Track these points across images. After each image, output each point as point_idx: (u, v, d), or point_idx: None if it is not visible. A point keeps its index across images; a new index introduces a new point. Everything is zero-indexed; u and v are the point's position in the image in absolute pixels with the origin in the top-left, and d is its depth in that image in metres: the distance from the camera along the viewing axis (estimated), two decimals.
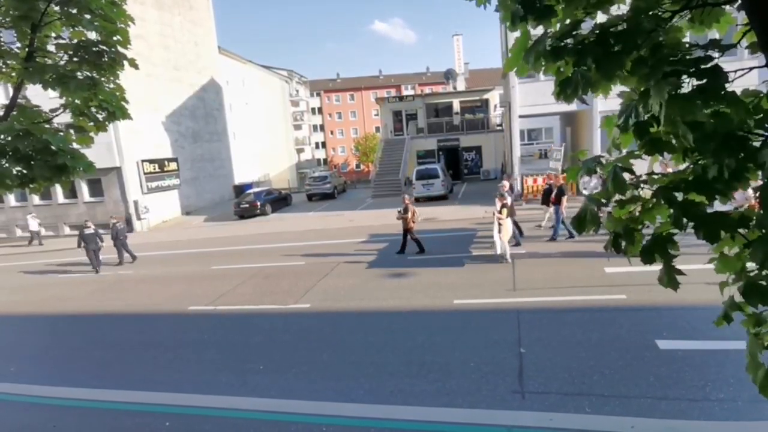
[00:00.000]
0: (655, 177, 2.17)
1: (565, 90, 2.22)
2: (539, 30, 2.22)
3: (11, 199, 23.25)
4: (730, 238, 2.02)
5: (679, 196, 2.06)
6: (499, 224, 9.97)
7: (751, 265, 2.07)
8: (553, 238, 11.59)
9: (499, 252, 10.05)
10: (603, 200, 2.22)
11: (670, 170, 2.62)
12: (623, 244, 2.21)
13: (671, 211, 2.07)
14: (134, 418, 5.35)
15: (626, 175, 2.11)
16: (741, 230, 1.99)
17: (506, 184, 11.61)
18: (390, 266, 10.78)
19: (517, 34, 2.30)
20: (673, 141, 2.06)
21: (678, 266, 2.17)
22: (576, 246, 10.57)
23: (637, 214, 2.23)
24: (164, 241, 19.05)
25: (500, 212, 9.98)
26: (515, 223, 11.90)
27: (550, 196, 11.89)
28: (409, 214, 11.37)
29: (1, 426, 5.60)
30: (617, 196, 2.19)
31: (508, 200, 10.49)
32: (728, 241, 2.06)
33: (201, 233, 20.18)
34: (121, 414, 5.51)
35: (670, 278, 2.17)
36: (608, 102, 2.44)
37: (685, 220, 2.01)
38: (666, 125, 1.88)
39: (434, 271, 10.05)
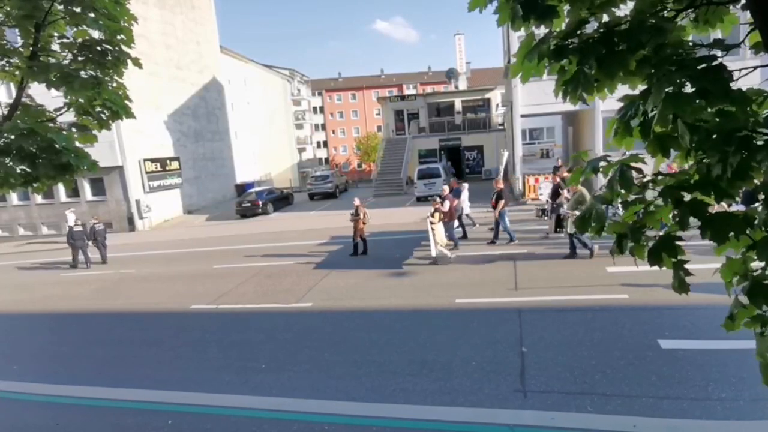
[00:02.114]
0: (660, 178, 2.15)
1: (566, 89, 2.22)
2: (542, 31, 2.22)
3: (14, 197, 23.32)
4: (735, 239, 1.99)
5: (685, 196, 2.04)
6: (432, 228, 10.22)
7: (754, 265, 2.06)
8: (493, 241, 11.89)
9: (433, 255, 10.34)
10: (609, 200, 2.18)
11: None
12: (628, 245, 2.17)
13: (675, 212, 2.05)
14: (136, 416, 5.37)
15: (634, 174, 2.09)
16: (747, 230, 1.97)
17: (446, 188, 11.92)
18: (391, 266, 10.78)
19: (520, 33, 2.30)
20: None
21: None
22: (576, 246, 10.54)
23: (641, 217, 2.20)
24: (166, 240, 19.09)
25: (432, 216, 10.25)
26: (461, 225, 12.51)
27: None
28: (361, 216, 11.76)
29: (4, 424, 5.63)
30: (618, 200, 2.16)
31: (446, 205, 10.89)
32: (732, 243, 2.03)
33: (203, 232, 20.22)
34: (123, 412, 5.54)
35: (680, 282, 2.13)
36: (610, 102, 2.43)
37: (691, 220, 1.99)
38: (660, 123, 1.87)
39: (436, 271, 10.06)
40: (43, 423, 5.49)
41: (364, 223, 11.86)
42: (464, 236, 12.67)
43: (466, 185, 14.51)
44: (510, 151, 20.15)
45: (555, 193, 11.62)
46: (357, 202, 12.14)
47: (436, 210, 10.35)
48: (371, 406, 5.05)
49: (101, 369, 6.95)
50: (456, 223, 12.30)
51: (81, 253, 14.52)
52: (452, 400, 4.97)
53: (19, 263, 16.97)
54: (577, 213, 9.57)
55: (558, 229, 11.53)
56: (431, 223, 10.22)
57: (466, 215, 13.99)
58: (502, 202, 11.49)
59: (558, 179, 12.12)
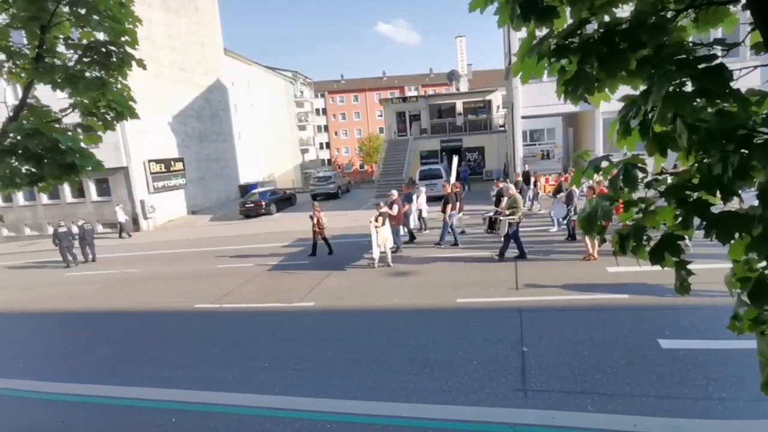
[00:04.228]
0: (662, 177, 2.15)
1: (567, 89, 2.24)
2: (543, 32, 2.24)
3: (20, 198, 23.48)
4: (740, 237, 1.96)
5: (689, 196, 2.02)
6: (376, 231, 10.55)
7: (757, 265, 2.06)
8: (439, 243, 12.30)
9: (375, 257, 10.71)
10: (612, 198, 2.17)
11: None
12: (631, 245, 2.14)
13: (677, 212, 2.04)
14: (141, 414, 5.42)
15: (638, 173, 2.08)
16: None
17: (394, 193, 12.32)
18: (393, 265, 10.81)
19: (521, 35, 2.31)
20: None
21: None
22: (578, 246, 10.55)
23: (641, 217, 2.18)
24: (170, 240, 19.18)
25: (376, 220, 10.59)
26: (410, 231, 13.23)
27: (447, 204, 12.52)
28: (315, 220, 12.36)
29: (10, 422, 5.68)
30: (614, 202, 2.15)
31: (394, 209, 11.35)
32: (738, 244, 2.00)
33: (206, 232, 20.30)
34: (128, 410, 5.58)
35: (682, 282, 2.12)
36: (610, 103, 2.44)
37: (696, 220, 1.96)
38: (660, 122, 1.89)
39: (437, 270, 10.09)
40: (48, 420, 5.54)
41: (319, 227, 12.48)
42: (411, 239, 13.20)
43: (423, 189, 14.86)
44: (510, 152, 20.16)
45: (498, 199, 12.08)
46: (316, 206, 12.82)
47: (380, 214, 10.73)
48: (373, 404, 5.08)
49: (105, 367, 7.00)
50: (404, 228, 12.99)
51: (67, 252, 15.29)
52: (453, 399, 4.99)
53: (22, 262, 17.07)
54: (512, 217, 9.95)
55: (490, 231, 11.84)
56: (376, 226, 10.58)
57: (423, 218, 14.54)
58: (449, 207, 11.95)
59: (501, 185, 12.43)
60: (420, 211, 14.16)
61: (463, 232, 13.15)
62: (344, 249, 12.84)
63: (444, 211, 12.07)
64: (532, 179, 16.97)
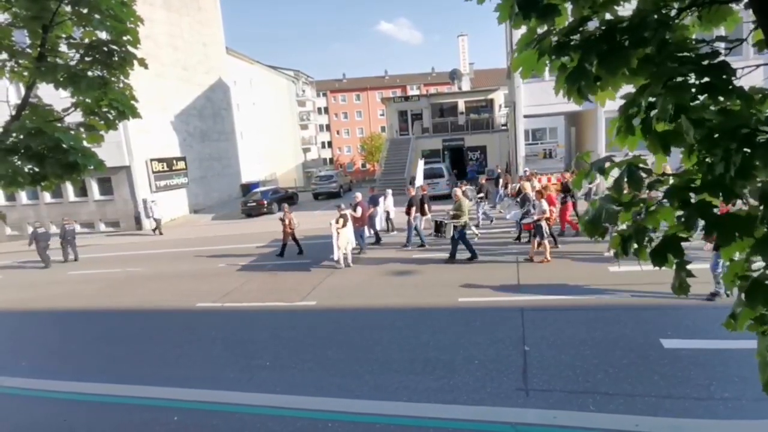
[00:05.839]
0: (665, 178, 2.13)
1: (568, 86, 2.22)
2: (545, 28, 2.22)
3: (23, 197, 23.55)
4: (741, 239, 1.95)
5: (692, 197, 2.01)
6: (337, 233, 10.80)
7: (756, 265, 2.05)
8: (405, 245, 12.53)
9: (335, 258, 10.95)
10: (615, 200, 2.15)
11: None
12: (633, 247, 2.12)
13: (679, 213, 2.02)
14: (143, 413, 5.43)
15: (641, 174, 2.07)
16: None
17: (358, 195, 12.59)
18: (395, 264, 10.82)
19: (522, 31, 2.30)
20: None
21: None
22: (580, 246, 10.54)
23: (642, 217, 2.17)
24: (172, 239, 19.21)
25: (337, 222, 10.85)
26: (376, 232, 13.65)
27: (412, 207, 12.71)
28: (287, 221, 12.63)
29: (12, 420, 5.71)
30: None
31: (358, 211, 11.68)
32: (739, 245, 2.00)
33: (208, 231, 20.33)
34: (130, 408, 5.60)
35: (681, 283, 2.11)
36: (613, 102, 2.42)
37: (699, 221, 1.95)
38: (661, 115, 1.87)
39: (439, 269, 10.08)
40: (51, 419, 5.56)
41: (291, 228, 12.78)
42: (377, 241, 13.46)
43: (389, 191, 14.99)
44: (512, 152, 20.13)
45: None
46: (286, 208, 13.35)
47: (341, 216, 10.93)
48: (374, 403, 5.08)
49: (108, 366, 7.02)
50: (371, 229, 13.35)
51: (44, 253, 15.43)
52: (455, 398, 4.99)
53: (24, 261, 17.12)
54: (457, 221, 10.16)
55: (437, 234, 11.98)
56: (337, 228, 10.78)
57: (390, 220, 14.83)
58: (413, 209, 12.26)
59: (462, 189, 12.55)
60: (387, 213, 14.36)
61: (429, 235, 13.21)
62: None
63: (408, 213, 12.37)
64: (501, 181, 16.96)
